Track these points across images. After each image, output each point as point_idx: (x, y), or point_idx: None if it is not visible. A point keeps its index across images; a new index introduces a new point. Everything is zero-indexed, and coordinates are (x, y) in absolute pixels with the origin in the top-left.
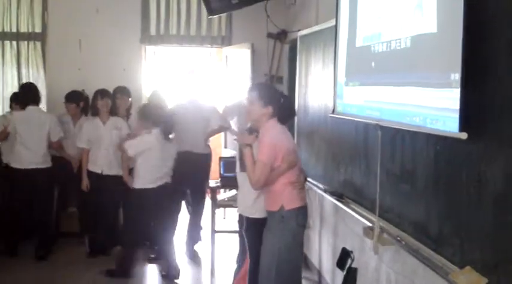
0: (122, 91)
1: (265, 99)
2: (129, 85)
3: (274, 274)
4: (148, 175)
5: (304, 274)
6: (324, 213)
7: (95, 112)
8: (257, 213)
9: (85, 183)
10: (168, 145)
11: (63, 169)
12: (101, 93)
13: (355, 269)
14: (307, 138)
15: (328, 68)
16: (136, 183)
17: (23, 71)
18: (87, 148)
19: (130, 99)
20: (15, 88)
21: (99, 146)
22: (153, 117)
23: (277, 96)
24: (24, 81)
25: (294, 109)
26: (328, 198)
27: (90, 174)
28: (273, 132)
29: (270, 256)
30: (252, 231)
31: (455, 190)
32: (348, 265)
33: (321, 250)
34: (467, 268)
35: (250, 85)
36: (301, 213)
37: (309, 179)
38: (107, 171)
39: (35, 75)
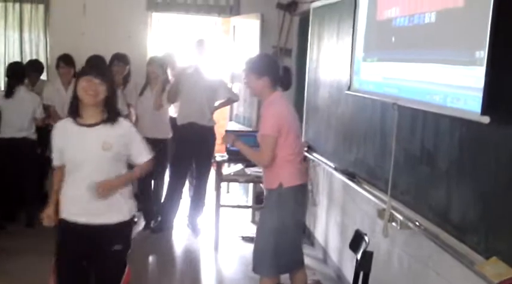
0: (119, 58)
1: (259, 70)
2: (134, 53)
3: (271, 254)
4: None
5: (309, 251)
6: (332, 191)
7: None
8: None
9: None
10: None
11: None
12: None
13: (371, 253)
14: (316, 113)
15: (343, 42)
16: None
17: (26, 34)
18: None
19: (128, 66)
20: (17, 52)
21: None
22: None
23: (273, 66)
24: (26, 44)
25: (291, 80)
26: (338, 176)
27: None
28: (276, 105)
29: (267, 235)
30: None
31: (482, 175)
32: (362, 249)
33: (328, 229)
34: (494, 258)
35: (247, 59)
36: (300, 191)
37: (317, 156)
38: None
39: (37, 39)
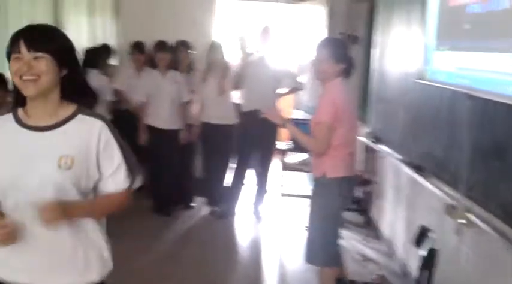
0: (184, 45)
1: (337, 56)
2: (199, 39)
3: (318, 243)
4: None
5: (374, 244)
6: (399, 183)
7: (154, 65)
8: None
9: (142, 137)
10: None
11: (129, 122)
12: (160, 46)
13: (437, 251)
14: (383, 103)
15: (412, 30)
16: None
17: (97, 19)
18: (145, 101)
19: (192, 53)
20: (88, 38)
21: (159, 100)
22: None
23: (348, 53)
24: (97, 30)
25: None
26: (405, 169)
27: (152, 129)
28: (335, 91)
29: (313, 224)
30: None
31: None
32: (428, 246)
33: (394, 223)
34: None
35: (320, 41)
36: (345, 183)
37: (383, 147)
38: (170, 126)
39: (107, 24)
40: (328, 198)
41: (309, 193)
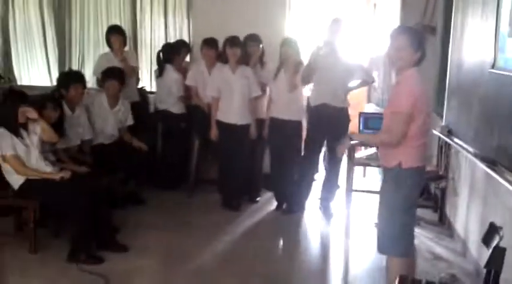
0: (253, 39)
1: (416, 44)
2: (273, 34)
3: (391, 233)
4: None
5: (447, 243)
6: (473, 179)
7: (225, 60)
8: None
9: (213, 133)
10: None
11: (201, 118)
12: (230, 41)
13: (504, 249)
14: (459, 96)
15: (487, 18)
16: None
17: (170, 19)
18: (216, 96)
19: (261, 46)
20: (163, 36)
21: (230, 95)
22: None
23: (425, 40)
24: (171, 28)
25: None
26: (479, 163)
27: (223, 124)
28: (413, 81)
29: (386, 215)
30: None
31: None
32: (495, 243)
33: (468, 220)
34: None
35: (397, 29)
36: (419, 174)
37: (458, 141)
38: (240, 121)
39: (181, 23)
40: (403, 187)
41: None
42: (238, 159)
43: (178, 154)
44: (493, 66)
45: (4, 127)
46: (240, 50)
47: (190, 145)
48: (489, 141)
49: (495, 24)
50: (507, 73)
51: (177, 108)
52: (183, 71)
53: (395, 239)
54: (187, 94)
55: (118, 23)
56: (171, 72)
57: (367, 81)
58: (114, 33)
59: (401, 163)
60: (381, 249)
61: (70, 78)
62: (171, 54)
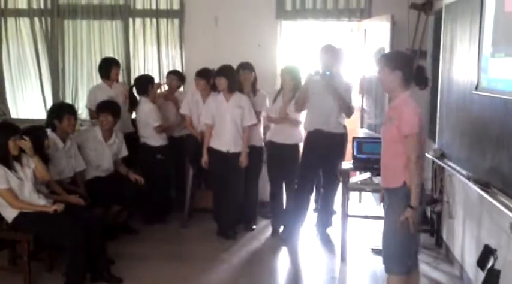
0: (245, 67)
1: (392, 63)
2: (264, 62)
3: (400, 252)
4: None
5: (445, 267)
6: (467, 202)
7: (216, 89)
8: None
9: (204, 159)
10: None
11: (194, 147)
12: (217, 71)
13: (498, 272)
14: (449, 118)
15: (472, 40)
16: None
17: (163, 48)
18: (210, 124)
19: (253, 73)
20: (156, 65)
21: (223, 123)
22: None
23: (407, 62)
24: (163, 58)
25: (427, 78)
26: (473, 186)
27: (215, 151)
28: (413, 104)
29: (394, 234)
30: None
31: None
32: (489, 265)
33: (464, 244)
34: None
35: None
36: (422, 191)
37: (451, 164)
38: (232, 149)
39: (173, 52)
40: (406, 207)
41: (374, 213)
42: (232, 187)
43: (160, 187)
44: (476, 88)
45: None
46: (226, 80)
47: (184, 175)
48: (481, 163)
49: (478, 45)
50: (489, 94)
51: (155, 141)
52: (168, 100)
53: (399, 258)
54: (183, 123)
55: (111, 54)
56: (145, 103)
57: (352, 107)
58: (115, 65)
59: (406, 182)
60: (386, 269)
61: (63, 109)
62: (145, 85)
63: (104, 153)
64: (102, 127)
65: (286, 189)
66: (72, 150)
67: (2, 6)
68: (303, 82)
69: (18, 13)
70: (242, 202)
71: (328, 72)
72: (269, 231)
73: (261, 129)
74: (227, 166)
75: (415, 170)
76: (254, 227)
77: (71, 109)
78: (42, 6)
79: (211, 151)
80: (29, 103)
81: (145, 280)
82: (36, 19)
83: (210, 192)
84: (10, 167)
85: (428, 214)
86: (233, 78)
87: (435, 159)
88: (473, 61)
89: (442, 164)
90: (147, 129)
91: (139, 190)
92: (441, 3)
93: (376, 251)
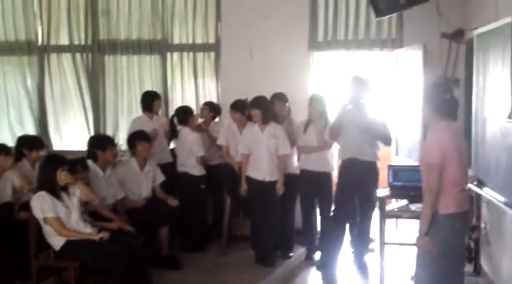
0: (279, 97)
1: (424, 98)
2: (297, 92)
3: (430, 282)
4: None
5: None
6: (505, 229)
7: (251, 119)
8: None
9: (243, 188)
10: None
11: (231, 176)
12: (251, 103)
13: None
14: (484, 145)
15: (507, 68)
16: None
17: (199, 81)
18: (246, 153)
19: (287, 104)
20: (193, 98)
21: (259, 153)
22: None
23: (436, 95)
24: (200, 90)
25: (455, 108)
26: (510, 212)
27: (252, 180)
28: (439, 134)
29: (424, 263)
30: None
31: None
32: None
33: (502, 270)
34: None
35: None
36: (458, 219)
37: (488, 190)
38: (268, 178)
39: (209, 85)
40: (441, 234)
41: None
42: (269, 215)
43: (202, 216)
44: (510, 116)
45: (45, 190)
46: (260, 111)
47: (222, 203)
48: None
49: (510, 73)
50: None
51: (197, 170)
52: (201, 130)
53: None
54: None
55: (150, 87)
56: (188, 133)
57: (386, 140)
58: (157, 98)
59: (438, 210)
60: None
61: (108, 141)
62: (187, 115)
63: (142, 183)
64: (139, 155)
65: (321, 216)
66: (112, 179)
67: (45, 43)
68: (327, 111)
69: (60, 49)
70: (279, 229)
71: (361, 101)
72: (306, 259)
73: (295, 157)
74: (264, 195)
75: (428, 200)
76: (291, 254)
77: (113, 140)
78: (83, 42)
79: (249, 180)
80: (72, 136)
81: None
82: (77, 54)
83: (248, 220)
84: (58, 197)
85: (467, 241)
86: (267, 109)
87: (471, 186)
88: (506, 89)
89: (479, 191)
90: (189, 159)
91: (175, 212)
92: (472, 33)
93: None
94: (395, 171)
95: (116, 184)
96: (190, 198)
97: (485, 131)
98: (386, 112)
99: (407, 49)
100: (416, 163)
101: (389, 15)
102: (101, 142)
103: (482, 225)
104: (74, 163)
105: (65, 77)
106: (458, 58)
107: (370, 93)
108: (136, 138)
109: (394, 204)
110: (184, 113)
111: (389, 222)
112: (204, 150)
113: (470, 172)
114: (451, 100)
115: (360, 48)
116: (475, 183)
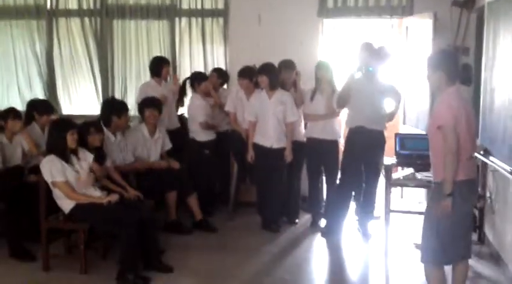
0: (286, 65)
1: (434, 65)
2: (306, 59)
3: (435, 245)
4: None
5: (487, 262)
6: (510, 198)
7: (259, 86)
8: None
9: (250, 154)
10: None
11: (238, 142)
12: (259, 70)
13: None
14: (492, 114)
15: None
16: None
17: (208, 47)
18: (253, 120)
19: (294, 71)
20: (202, 64)
21: (266, 120)
22: None
23: (449, 61)
24: (208, 56)
25: (471, 77)
26: None
27: (259, 147)
28: (449, 98)
29: (431, 226)
30: None
31: None
32: None
33: (506, 239)
34: None
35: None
36: (465, 187)
37: (494, 159)
38: (275, 145)
39: (217, 50)
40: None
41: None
42: (276, 181)
43: (206, 181)
44: None
45: (55, 154)
46: (267, 78)
47: (229, 169)
48: None
49: None
50: None
51: (202, 136)
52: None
53: (433, 249)
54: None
55: (158, 52)
56: (195, 99)
57: (397, 101)
58: (166, 64)
59: None
60: (422, 259)
61: (124, 107)
62: (193, 82)
63: (151, 149)
64: (148, 122)
65: (327, 184)
66: (123, 144)
67: (54, 7)
68: (334, 78)
69: (69, 13)
70: (285, 196)
71: (370, 68)
72: (311, 225)
73: (302, 124)
74: (270, 161)
75: (449, 161)
76: (297, 221)
77: (127, 107)
78: (92, 7)
79: (256, 147)
80: (81, 100)
81: (194, 269)
82: (86, 19)
83: (254, 186)
84: (67, 160)
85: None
86: (275, 76)
87: (478, 155)
88: None
89: (485, 159)
90: (193, 124)
91: (180, 176)
92: (483, 1)
93: (418, 246)
94: (402, 140)
95: (126, 149)
96: (195, 163)
97: (494, 101)
98: (395, 81)
99: (417, 17)
100: (424, 132)
101: None
102: (117, 108)
103: (488, 194)
104: (87, 125)
105: (74, 42)
106: (468, 27)
107: (383, 62)
108: (145, 105)
109: (400, 172)
110: (194, 79)
111: (395, 191)
112: (211, 117)
113: (478, 142)
114: (465, 65)
115: (370, 15)
116: (481, 152)
